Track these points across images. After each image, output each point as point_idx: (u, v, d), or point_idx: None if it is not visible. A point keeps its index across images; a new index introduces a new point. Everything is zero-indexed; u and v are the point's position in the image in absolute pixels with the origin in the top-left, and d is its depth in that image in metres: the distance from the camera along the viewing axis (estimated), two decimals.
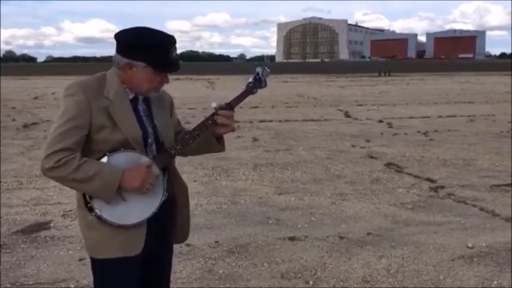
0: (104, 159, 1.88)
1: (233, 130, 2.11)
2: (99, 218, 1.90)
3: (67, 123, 1.84)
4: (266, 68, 2.13)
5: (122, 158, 1.90)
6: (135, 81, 1.93)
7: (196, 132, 2.04)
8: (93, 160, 1.87)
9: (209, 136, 2.10)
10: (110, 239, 1.93)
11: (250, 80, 2.11)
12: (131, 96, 1.98)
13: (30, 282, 3.66)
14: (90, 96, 1.87)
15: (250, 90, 2.11)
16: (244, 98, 2.11)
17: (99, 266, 1.99)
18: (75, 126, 1.85)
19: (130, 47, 1.90)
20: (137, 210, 1.94)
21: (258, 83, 2.12)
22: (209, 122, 2.05)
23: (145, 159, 1.93)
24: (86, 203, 1.91)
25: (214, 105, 2.08)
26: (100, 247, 1.95)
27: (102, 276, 2.01)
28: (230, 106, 2.07)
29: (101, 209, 1.89)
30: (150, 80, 1.92)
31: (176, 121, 2.22)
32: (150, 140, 1.99)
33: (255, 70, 2.13)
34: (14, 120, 13.60)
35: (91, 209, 1.90)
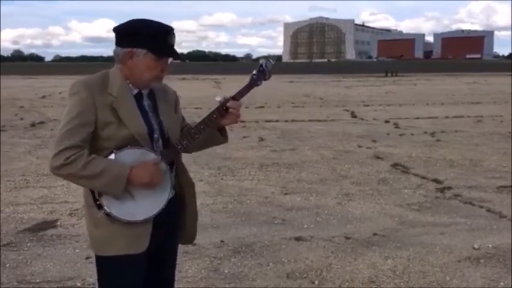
0: (112, 157, 1.90)
1: (238, 121, 2.11)
2: (108, 215, 1.92)
3: (73, 121, 1.87)
4: (270, 59, 2.12)
5: (129, 155, 1.91)
6: (136, 72, 1.94)
7: (202, 126, 2.05)
8: (101, 157, 1.89)
9: (212, 129, 2.11)
10: (115, 236, 1.94)
11: (254, 72, 2.10)
12: (135, 91, 1.99)
13: (37, 281, 3.68)
14: (94, 93, 1.90)
15: (254, 82, 2.10)
16: (248, 90, 2.10)
17: (104, 264, 2.00)
18: (81, 123, 1.87)
19: (130, 35, 1.93)
20: (145, 207, 1.95)
21: (262, 75, 2.10)
22: (214, 115, 2.06)
23: (152, 156, 1.95)
24: (95, 200, 1.92)
25: (218, 98, 2.09)
26: (105, 244, 1.96)
27: (106, 274, 2.02)
28: (234, 99, 2.07)
29: (110, 206, 1.91)
30: (152, 67, 1.93)
31: (181, 117, 2.22)
32: (156, 136, 2.00)
33: (259, 62, 2.13)
34: (21, 119, 13.69)
35: (100, 207, 1.92)
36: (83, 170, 1.83)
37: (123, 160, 1.90)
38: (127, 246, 1.95)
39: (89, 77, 1.98)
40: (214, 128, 2.12)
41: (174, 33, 1.96)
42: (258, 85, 2.11)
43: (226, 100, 2.06)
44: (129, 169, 1.87)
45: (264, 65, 2.10)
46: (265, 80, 2.12)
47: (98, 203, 1.92)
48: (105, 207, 1.91)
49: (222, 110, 2.06)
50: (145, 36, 1.90)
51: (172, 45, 1.96)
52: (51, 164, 1.86)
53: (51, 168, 1.86)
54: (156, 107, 2.05)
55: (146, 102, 2.03)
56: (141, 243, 1.98)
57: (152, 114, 2.02)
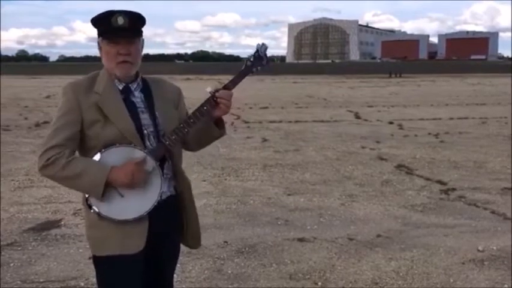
0: (97, 156, 1.88)
1: (228, 112, 2.04)
2: (99, 214, 1.91)
3: (58, 121, 1.91)
4: (264, 43, 2.03)
5: (115, 154, 1.89)
6: (103, 61, 1.98)
7: (191, 120, 1.98)
8: (81, 158, 1.91)
9: (208, 122, 2.04)
10: (110, 236, 1.93)
11: (250, 58, 2.01)
12: (121, 86, 1.98)
13: (41, 280, 3.69)
14: (79, 93, 1.92)
15: (248, 69, 2.02)
16: (241, 78, 2.02)
17: (100, 264, 2.00)
18: (65, 123, 1.89)
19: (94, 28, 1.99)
20: (136, 205, 1.92)
21: (258, 61, 2.02)
22: (204, 108, 1.98)
23: (138, 154, 1.90)
24: (86, 200, 1.93)
25: (209, 89, 2.02)
26: (101, 244, 1.96)
27: (103, 274, 2.02)
28: (227, 89, 2.01)
29: (99, 205, 1.89)
30: (108, 52, 1.95)
31: (185, 114, 2.16)
32: (146, 132, 1.96)
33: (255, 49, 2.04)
34: (26, 118, 13.75)
35: (90, 206, 1.91)
36: (62, 171, 1.85)
37: (108, 160, 1.87)
38: (121, 246, 1.93)
39: (78, 78, 2.02)
40: (208, 120, 2.03)
41: (121, 16, 1.91)
42: (253, 72, 2.03)
43: (216, 90, 1.99)
44: (108, 171, 1.85)
45: (259, 51, 2.02)
46: (261, 66, 2.03)
47: (88, 202, 1.92)
48: (94, 207, 1.90)
49: (213, 101, 1.98)
50: (95, 24, 1.96)
51: (120, 27, 1.91)
52: (37, 165, 1.89)
53: (38, 168, 1.90)
54: (151, 103, 2.01)
55: (138, 98, 2.00)
56: (135, 244, 1.95)
57: (145, 110, 1.99)
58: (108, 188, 1.86)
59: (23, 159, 8.17)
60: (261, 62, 2.03)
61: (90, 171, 1.85)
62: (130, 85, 2.00)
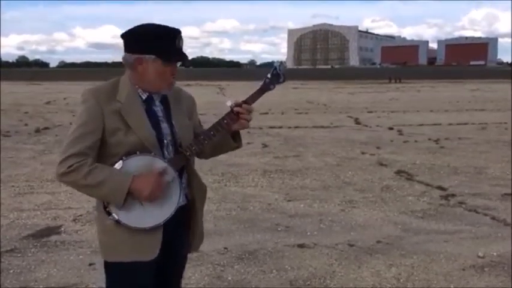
0: (119, 164, 1.89)
1: (248, 126, 2.09)
2: (117, 221, 1.92)
3: (79, 129, 1.89)
4: (283, 62, 2.11)
5: (137, 163, 1.91)
6: (147, 78, 1.93)
7: (211, 133, 2.02)
8: (104, 166, 1.89)
9: (225, 135, 2.08)
10: (124, 242, 1.94)
11: (268, 75, 2.07)
12: (144, 96, 1.98)
13: (41, 287, 3.69)
14: (101, 101, 1.90)
15: (267, 86, 2.07)
16: (260, 95, 2.08)
17: (112, 270, 2.01)
18: (87, 131, 1.88)
19: (138, 41, 1.92)
20: (154, 214, 1.94)
21: (276, 78, 2.08)
22: (225, 121, 2.03)
23: (159, 164, 1.93)
24: (104, 206, 1.93)
25: (229, 103, 2.05)
26: (114, 250, 1.97)
27: (115, 280, 2.02)
28: (246, 104, 2.05)
29: (118, 212, 1.91)
30: (161, 73, 1.92)
31: (197, 122, 2.20)
32: (165, 141, 1.98)
33: (272, 65, 2.10)
34: (26, 125, 13.75)
35: (109, 213, 1.92)
36: (84, 179, 1.84)
37: (129, 168, 1.89)
38: (135, 253, 1.95)
39: (99, 84, 2.00)
40: (226, 133, 2.08)
41: (181, 36, 1.93)
42: (270, 89, 2.08)
43: (237, 105, 2.04)
44: (130, 181, 1.86)
45: (277, 68, 2.07)
46: (278, 83, 2.09)
47: (106, 209, 1.92)
48: (114, 214, 1.91)
49: (233, 115, 2.03)
50: (152, 42, 1.89)
51: (181, 49, 1.93)
52: (56, 172, 1.88)
53: (56, 175, 1.89)
54: (169, 112, 2.03)
55: (158, 108, 2.01)
56: (150, 251, 1.97)
57: (163, 120, 2.00)
58: (128, 197, 1.88)
59: (23, 165, 8.17)
60: (278, 80, 2.08)
61: (113, 180, 1.85)
62: (153, 95, 2.00)
